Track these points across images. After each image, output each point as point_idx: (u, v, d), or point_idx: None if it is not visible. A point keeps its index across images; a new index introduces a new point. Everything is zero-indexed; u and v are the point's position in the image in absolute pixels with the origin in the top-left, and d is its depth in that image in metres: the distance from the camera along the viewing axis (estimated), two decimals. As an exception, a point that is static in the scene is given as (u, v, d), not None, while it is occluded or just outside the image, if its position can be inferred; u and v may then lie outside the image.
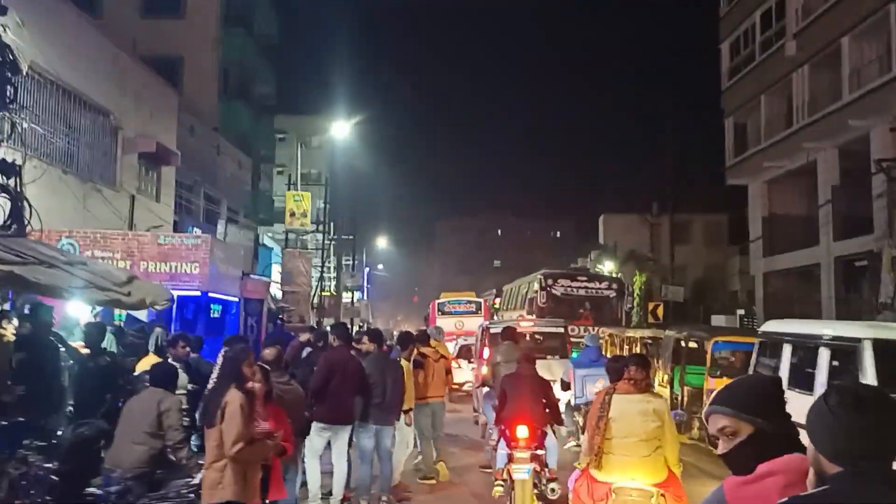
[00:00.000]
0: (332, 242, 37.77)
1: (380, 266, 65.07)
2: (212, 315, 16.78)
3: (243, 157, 29.68)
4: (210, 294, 14.70)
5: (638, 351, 14.54)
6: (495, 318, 24.72)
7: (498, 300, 30.07)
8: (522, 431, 7.09)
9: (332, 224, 39.70)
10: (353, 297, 40.06)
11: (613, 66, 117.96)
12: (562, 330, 14.35)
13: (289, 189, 26.19)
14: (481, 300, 28.22)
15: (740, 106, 29.79)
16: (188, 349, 8.62)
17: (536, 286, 19.06)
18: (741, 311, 32.08)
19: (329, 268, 38.67)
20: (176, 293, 11.52)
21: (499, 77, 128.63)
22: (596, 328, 18.17)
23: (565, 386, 10.30)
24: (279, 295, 24.50)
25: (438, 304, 28.04)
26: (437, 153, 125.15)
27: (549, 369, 10.64)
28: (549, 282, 18.97)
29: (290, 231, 25.81)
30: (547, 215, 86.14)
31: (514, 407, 7.28)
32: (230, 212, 29.02)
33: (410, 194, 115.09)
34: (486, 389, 10.69)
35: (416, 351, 9.61)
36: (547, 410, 7.51)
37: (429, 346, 10.12)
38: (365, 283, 64.57)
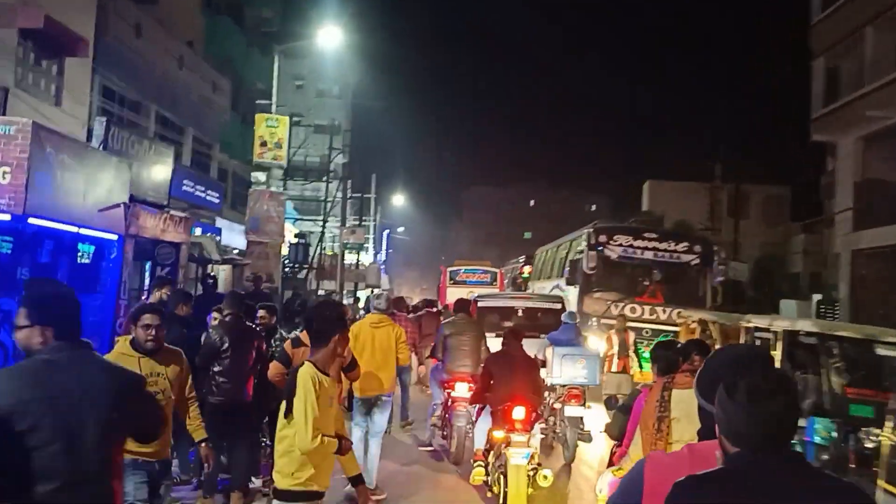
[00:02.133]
0: (337, 192, 31.47)
1: (400, 229, 58.63)
2: (79, 259, 10.53)
3: (219, 78, 23.27)
4: (35, 221, 8.38)
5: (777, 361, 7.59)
6: (528, 289, 18.21)
7: (527, 269, 23.58)
8: (520, 413, 6.60)
9: (349, 181, 33.51)
10: (357, 258, 33.73)
11: (660, 15, 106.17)
12: (560, 306, 12.06)
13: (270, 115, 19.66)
14: (497, 270, 25.28)
15: (836, 43, 23.20)
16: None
17: (583, 245, 12.57)
18: (818, 297, 25.66)
19: (334, 224, 32.37)
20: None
21: (533, 35, 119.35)
22: (668, 309, 11.64)
23: (541, 364, 8.86)
24: (241, 245, 18.32)
25: (450, 271, 25.14)
26: (469, 117, 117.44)
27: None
28: (602, 239, 12.50)
29: (260, 166, 19.43)
30: (582, 186, 79.43)
31: (509, 387, 6.80)
32: (199, 144, 22.67)
33: (440, 157, 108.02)
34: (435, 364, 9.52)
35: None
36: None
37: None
38: (384, 247, 58.41)
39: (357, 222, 33.86)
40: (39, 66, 14.10)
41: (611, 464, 5.20)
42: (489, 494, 6.87)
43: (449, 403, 8.56)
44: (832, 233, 25.20)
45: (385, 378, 7.12)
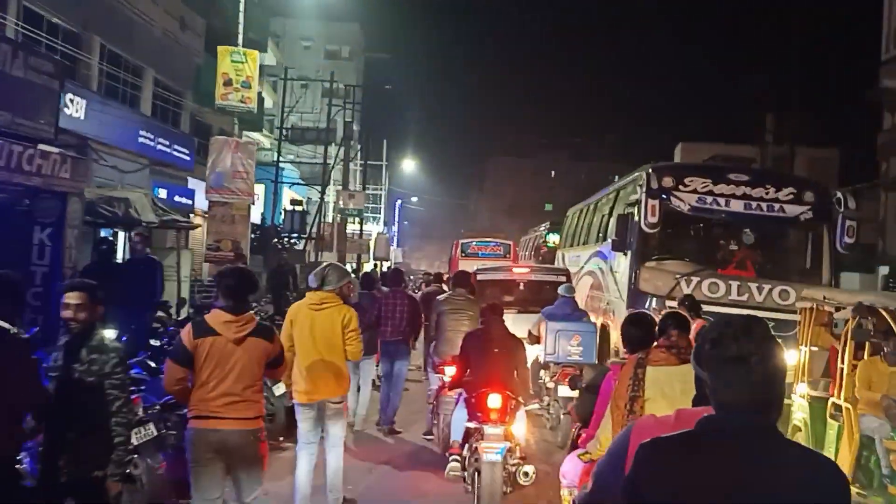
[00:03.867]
0: (337, 154, 27.49)
1: (413, 199, 54.59)
2: None
3: (190, 14, 19.16)
4: None
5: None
6: (559, 260, 14.18)
7: (552, 239, 19.53)
8: (495, 401, 5.72)
9: (350, 141, 29.48)
10: (360, 227, 29.78)
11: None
12: (565, 279, 10.50)
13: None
14: (510, 242, 23.66)
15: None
16: None
17: (639, 194, 8.38)
18: (884, 270, 21.63)
19: (336, 187, 28.42)
20: None
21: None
22: (768, 286, 7.60)
23: (534, 340, 8.40)
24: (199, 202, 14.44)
25: (462, 244, 23.27)
26: (490, 83, 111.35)
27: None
28: (668, 182, 8.19)
29: (224, 108, 15.49)
30: (606, 155, 75.00)
31: (484, 371, 5.98)
32: (164, 90, 18.67)
33: (458, 126, 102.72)
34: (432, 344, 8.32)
35: None
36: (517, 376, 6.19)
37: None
38: (396, 218, 54.54)
39: (360, 188, 29.83)
40: None
41: (575, 447, 4.60)
42: (467, 492, 6.07)
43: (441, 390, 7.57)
44: (866, 202, 21.10)
45: (332, 376, 5.54)
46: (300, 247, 30.26)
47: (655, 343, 3.92)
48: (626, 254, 8.66)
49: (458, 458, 6.06)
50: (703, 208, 8.19)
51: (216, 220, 14.79)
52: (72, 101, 14.66)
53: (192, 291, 17.94)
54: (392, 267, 13.78)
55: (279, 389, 8.38)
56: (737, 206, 8.18)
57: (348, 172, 28.79)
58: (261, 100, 28.56)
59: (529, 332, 8.57)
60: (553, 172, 78.91)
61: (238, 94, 15.42)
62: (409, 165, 48.31)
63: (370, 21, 43.99)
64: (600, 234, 10.81)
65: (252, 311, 4.56)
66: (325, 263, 6.34)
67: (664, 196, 8.17)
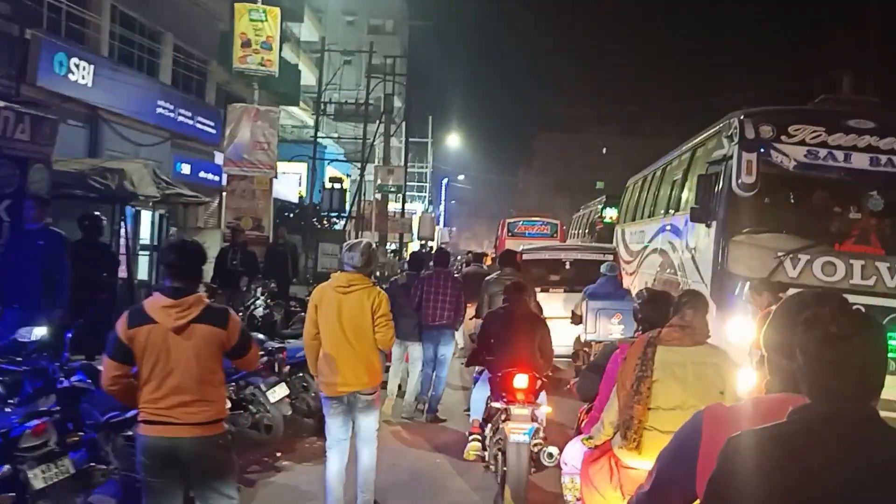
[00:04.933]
0: (378, 130, 25.75)
1: (460, 177, 52.64)
2: None
3: (211, -26, 17.61)
4: None
5: None
6: (618, 238, 12.50)
7: (609, 214, 17.57)
8: (521, 381, 5.50)
9: (391, 113, 27.78)
10: (403, 205, 28.09)
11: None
12: (612, 258, 10.24)
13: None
14: (557, 222, 23.18)
15: None
16: None
17: (727, 148, 6.35)
18: None
19: (375, 164, 26.77)
20: None
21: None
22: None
23: (577, 319, 8.22)
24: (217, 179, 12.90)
25: (508, 223, 22.99)
26: (539, 56, 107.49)
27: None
28: (767, 132, 6.17)
29: (242, 71, 13.92)
30: (658, 130, 71.68)
31: (510, 351, 5.78)
32: (183, 57, 17.20)
33: (506, 102, 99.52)
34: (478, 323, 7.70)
35: None
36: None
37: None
38: (442, 196, 52.84)
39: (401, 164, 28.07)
40: None
41: (579, 431, 4.40)
42: (486, 472, 5.88)
43: None
44: None
45: (362, 366, 4.91)
46: (340, 226, 28.83)
47: (669, 322, 3.60)
48: (709, 225, 6.67)
49: (478, 437, 5.94)
50: (814, 164, 6.14)
51: (235, 196, 13.29)
52: (77, 65, 13.26)
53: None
54: (438, 247, 12.29)
55: (275, 395, 6.81)
56: (860, 161, 6.10)
57: (389, 148, 27.09)
58: (298, 73, 27.09)
59: (573, 312, 8.47)
60: (604, 149, 76.43)
61: (258, 57, 13.79)
62: (454, 142, 46.35)
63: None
64: (671, 205, 8.80)
65: (200, 293, 3.73)
66: (351, 242, 5.43)
67: (762, 149, 6.16)
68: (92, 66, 13.60)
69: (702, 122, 8.75)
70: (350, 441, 5.14)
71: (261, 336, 7.85)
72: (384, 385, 8.57)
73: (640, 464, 3.33)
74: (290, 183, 27.40)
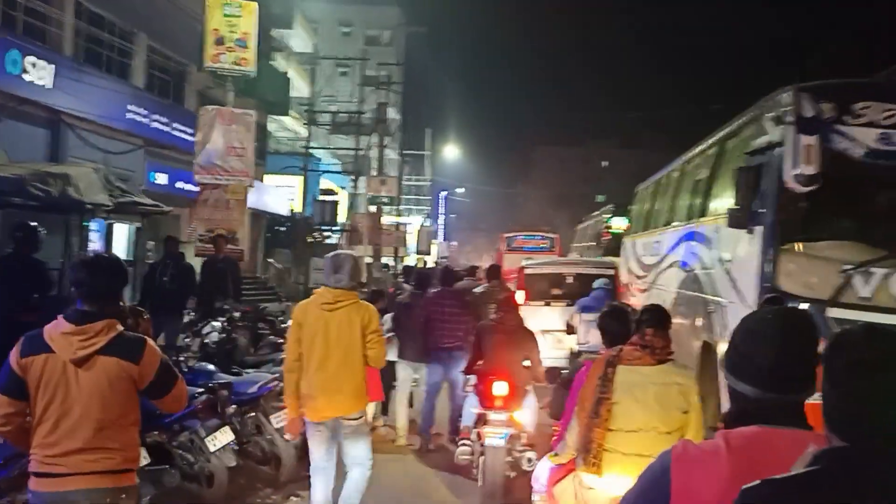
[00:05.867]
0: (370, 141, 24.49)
1: (459, 189, 51.36)
2: None
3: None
4: None
5: None
6: (627, 251, 11.35)
7: (617, 223, 16.30)
8: (500, 388, 5.81)
9: (383, 124, 26.49)
10: (397, 217, 26.78)
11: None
12: (612, 272, 10.70)
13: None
14: (554, 236, 23.92)
15: None
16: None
17: (774, 134, 5.10)
18: None
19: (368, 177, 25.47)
20: None
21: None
22: None
23: (570, 330, 8.68)
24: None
25: (507, 238, 23.67)
26: (537, 68, 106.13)
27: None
28: (827, 110, 4.95)
29: (214, 71, 12.63)
30: (659, 144, 70.73)
31: (492, 361, 6.09)
32: (159, 57, 15.98)
33: (504, 114, 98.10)
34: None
35: None
36: (527, 366, 6.20)
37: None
38: (441, 210, 51.63)
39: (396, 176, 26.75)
40: None
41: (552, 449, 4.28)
42: (472, 476, 6.17)
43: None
44: None
45: (350, 388, 4.61)
46: (333, 240, 27.57)
47: (630, 340, 3.47)
48: (750, 231, 5.36)
49: (467, 442, 6.12)
50: (890, 151, 4.84)
51: (208, 206, 12.02)
52: (34, 65, 12.04)
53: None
54: (445, 266, 11.71)
55: (216, 441, 5.52)
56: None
57: (383, 158, 25.84)
58: (287, 81, 25.93)
59: (567, 324, 8.79)
60: (604, 162, 75.62)
61: (232, 56, 12.49)
62: (453, 154, 45.13)
63: (411, 2, 41.12)
64: (694, 210, 7.46)
65: (111, 320, 3.03)
66: (333, 256, 4.94)
67: (828, 126, 4.84)
68: (52, 66, 12.39)
69: (698, 135, 7.87)
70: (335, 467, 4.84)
71: (210, 367, 6.56)
72: (385, 409, 8.08)
73: (602, 485, 3.30)
74: (280, 196, 26.19)
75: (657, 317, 3.48)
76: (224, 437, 5.53)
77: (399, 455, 7.25)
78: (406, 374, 7.66)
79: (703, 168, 7.37)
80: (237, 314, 9.55)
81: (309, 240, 26.55)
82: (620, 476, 3.17)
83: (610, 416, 3.24)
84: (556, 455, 3.82)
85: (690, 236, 7.24)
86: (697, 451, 1.58)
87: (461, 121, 72.99)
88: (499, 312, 6.36)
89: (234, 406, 5.85)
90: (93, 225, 14.38)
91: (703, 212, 7.00)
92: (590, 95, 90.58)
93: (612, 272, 10.62)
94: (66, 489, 2.88)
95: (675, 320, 5.80)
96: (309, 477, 4.92)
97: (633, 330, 3.53)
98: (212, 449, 5.42)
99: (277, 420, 6.15)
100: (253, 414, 6.16)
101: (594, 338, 6.76)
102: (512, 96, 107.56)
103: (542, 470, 4.09)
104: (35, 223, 7.96)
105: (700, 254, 6.85)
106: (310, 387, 4.55)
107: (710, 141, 7.40)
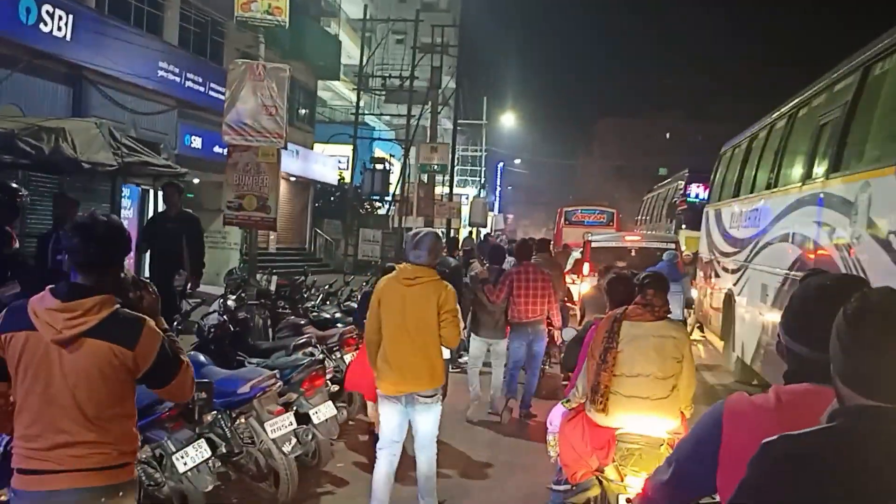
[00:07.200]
0: (424, 109, 22.94)
1: (516, 161, 49.36)
2: None
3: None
4: None
5: None
6: (709, 222, 10.36)
7: (696, 190, 14.67)
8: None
9: (438, 89, 24.93)
10: (450, 187, 25.26)
11: None
12: (674, 246, 11.44)
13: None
14: (613, 210, 23.78)
15: None
16: None
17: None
18: None
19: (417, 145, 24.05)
20: None
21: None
22: None
23: None
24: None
25: (566, 212, 23.71)
26: (600, 38, 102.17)
27: None
28: None
29: (245, 23, 11.38)
30: (723, 114, 67.52)
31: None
32: (194, 11, 14.78)
33: (564, 84, 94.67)
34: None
35: None
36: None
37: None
38: (497, 181, 49.89)
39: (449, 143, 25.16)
40: None
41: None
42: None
43: None
44: None
45: (424, 365, 4.64)
46: (383, 211, 26.30)
47: (634, 301, 3.95)
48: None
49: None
50: None
51: (237, 170, 10.72)
52: (50, 14, 10.93)
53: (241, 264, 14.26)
54: (522, 239, 11.10)
55: (186, 460, 4.22)
56: None
57: (436, 124, 24.32)
58: (338, 44, 24.58)
59: None
60: (668, 133, 72.46)
61: (264, 3, 11.16)
62: (510, 124, 43.13)
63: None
64: (817, 166, 5.73)
65: (108, 295, 2.53)
66: (416, 233, 4.88)
67: None
68: (71, 17, 11.24)
69: (763, 105, 6.81)
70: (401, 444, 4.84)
71: (202, 358, 5.24)
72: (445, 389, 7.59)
73: (605, 422, 3.74)
74: (330, 165, 25.01)
75: (657, 281, 3.94)
76: (197, 452, 4.22)
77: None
78: (479, 349, 7.62)
79: (835, 106, 5.59)
80: (272, 287, 8.34)
81: (361, 210, 25.37)
82: (622, 414, 3.70)
83: (615, 362, 3.72)
84: (567, 401, 4.32)
85: (816, 199, 5.51)
86: (749, 404, 1.61)
87: (519, 91, 70.45)
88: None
89: (213, 412, 4.53)
90: (125, 191, 13.36)
91: (836, 166, 5.27)
92: (654, 64, 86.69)
93: (672, 246, 11.47)
94: (52, 488, 2.56)
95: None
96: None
97: (635, 293, 3.98)
98: (181, 469, 4.12)
99: (274, 428, 4.83)
100: (245, 419, 4.84)
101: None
102: (572, 65, 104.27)
103: (555, 414, 4.49)
104: (16, 184, 6.81)
105: (832, 223, 5.14)
106: (385, 360, 4.59)
107: (842, 70, 5.60)
